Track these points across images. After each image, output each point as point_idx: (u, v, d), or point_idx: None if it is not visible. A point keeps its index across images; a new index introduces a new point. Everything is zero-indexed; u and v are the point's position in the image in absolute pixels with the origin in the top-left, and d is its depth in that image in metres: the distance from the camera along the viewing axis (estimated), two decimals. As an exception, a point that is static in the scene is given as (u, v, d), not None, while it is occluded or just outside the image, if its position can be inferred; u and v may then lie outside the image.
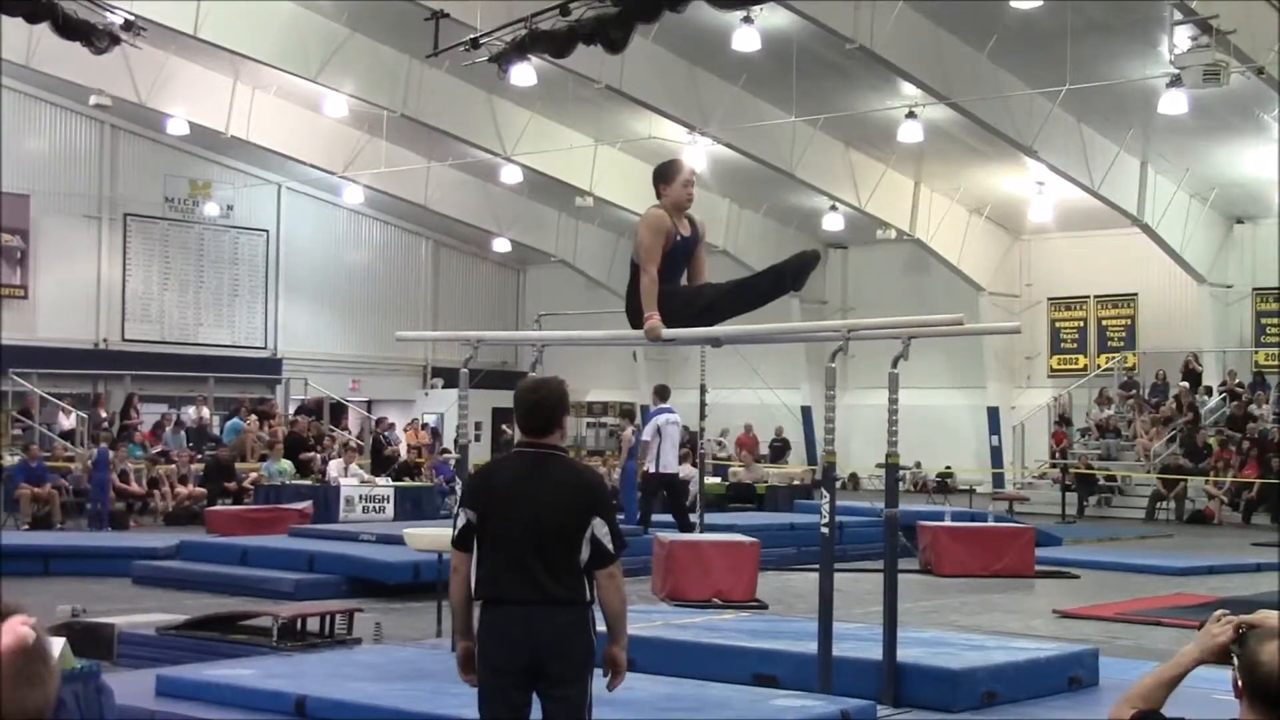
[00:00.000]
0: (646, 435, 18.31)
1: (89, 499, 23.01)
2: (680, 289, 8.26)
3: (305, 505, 21.16)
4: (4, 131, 29.79)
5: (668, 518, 18.33)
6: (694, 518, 17.43)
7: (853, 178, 30.74)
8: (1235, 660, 3.13)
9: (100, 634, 11.02)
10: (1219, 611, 3.29)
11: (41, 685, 2.09)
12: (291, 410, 33.79)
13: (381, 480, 25.35)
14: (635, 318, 8.22)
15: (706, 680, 9.01)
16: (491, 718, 5.47)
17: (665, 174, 8.21)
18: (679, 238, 8.11)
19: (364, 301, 38.68)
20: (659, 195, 8.16)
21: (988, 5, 22.33)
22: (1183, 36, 21.11)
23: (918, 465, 33.15)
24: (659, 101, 27.26)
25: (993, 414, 34.20)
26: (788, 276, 8.25)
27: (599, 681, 5.53)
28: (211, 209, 35.75)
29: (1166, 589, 16.45)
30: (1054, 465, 31.18)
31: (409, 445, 31.44)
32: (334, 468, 25.02)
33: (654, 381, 22.57)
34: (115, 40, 23.57)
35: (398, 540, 13.52)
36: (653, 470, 18.09)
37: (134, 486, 24.39)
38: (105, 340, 34.11)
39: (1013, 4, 21.54)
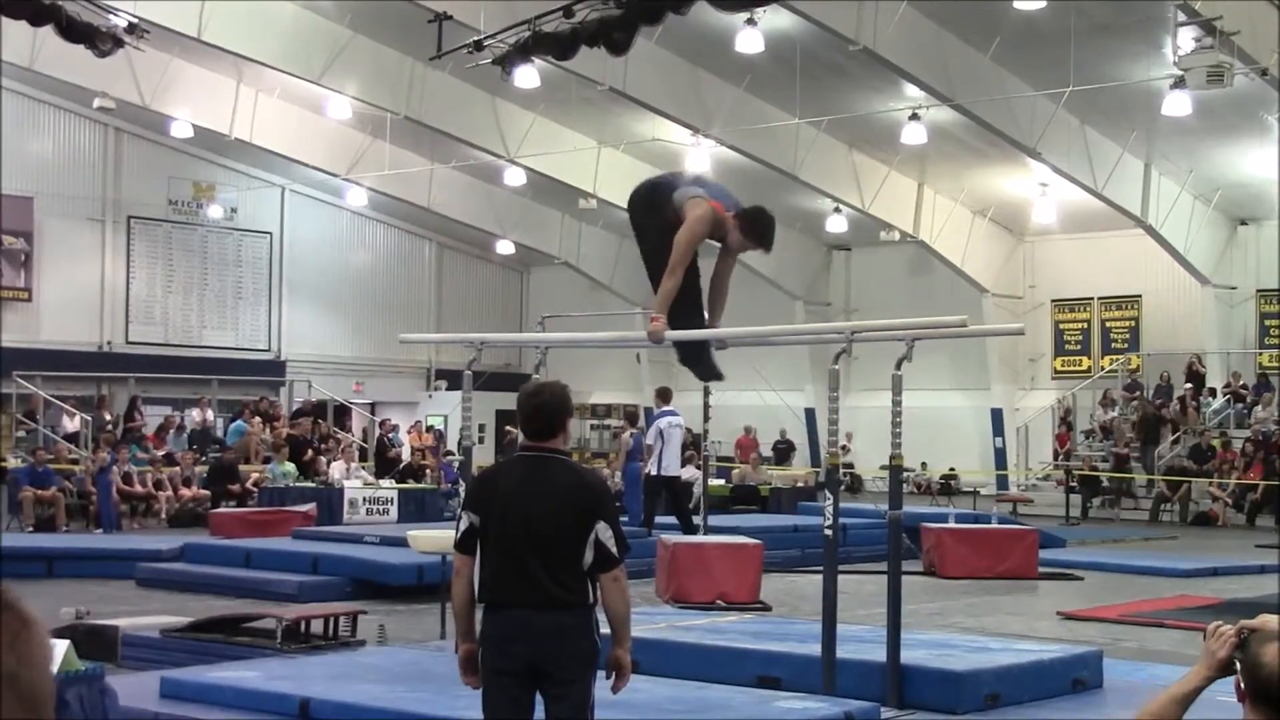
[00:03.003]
0: (649, 438, 18.35)
1: (97, 501, 23.11)
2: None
3: (309, 507, 21.17)
4: (8, 134, 29.83)
5: (671, 519, 18.37)
6: (697, 520, 17.44)
7: (856, 179, 30.73)
8: (1238, 664, 3.13)
9: (104, 636, 11.03)
10: (1213, 625, 3.28)
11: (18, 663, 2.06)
12: (292, 413, 33.77)
13: (385, 482, 25.36)
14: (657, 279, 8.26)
15: (710, 682, 9.02)
16: (495, 719, 5.48)
17: (763, 233, 8.24)
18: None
19: (368, 304, 38.69)
20: (742, 228, 8.18)
21: (991, 7, 22.34)
22: (1186, 38, 21.11)
23: (923, 466, 33.14)
24: (662, 103, 27.26)
25: (996, 416, 34.19)
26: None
27: (603, 683, 5.54)
28: (215, 211, 35.75)
29: (1170, 591, 16.44)
30: (1058, 467, 31.16)
31: (413, 447, 31.44)
32: (335, 470, 25.05)
33: (658, 383, 22.59)
34: (119, 43, 23.60)
35: (401, 542, 13.54)
36: (654, 472, 18.14)
37: (138, 488, 24.42)
38: (109, 342, 34.12)
39: (1016, 5, 21.54)
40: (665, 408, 18.54)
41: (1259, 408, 29.61)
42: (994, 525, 19.66)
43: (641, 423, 22.49)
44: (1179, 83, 22.25)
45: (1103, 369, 33.35)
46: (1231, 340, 31.48)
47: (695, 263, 8.28)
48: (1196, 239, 30.16)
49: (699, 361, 8.79)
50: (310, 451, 27.40)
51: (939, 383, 32.15)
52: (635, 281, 36.65)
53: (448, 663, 6.47)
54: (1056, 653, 9.95)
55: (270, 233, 37.08)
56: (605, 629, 5.53)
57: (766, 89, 26.82)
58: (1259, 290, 31.03)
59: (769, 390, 30.61)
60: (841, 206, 32.17)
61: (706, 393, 16.52)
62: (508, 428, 32.00)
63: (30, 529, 22.13)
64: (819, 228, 34.41)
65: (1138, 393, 32.00)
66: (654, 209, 8.28)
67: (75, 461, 26.07)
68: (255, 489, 24.46)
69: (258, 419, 29.28)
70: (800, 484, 28.36)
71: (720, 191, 8.34)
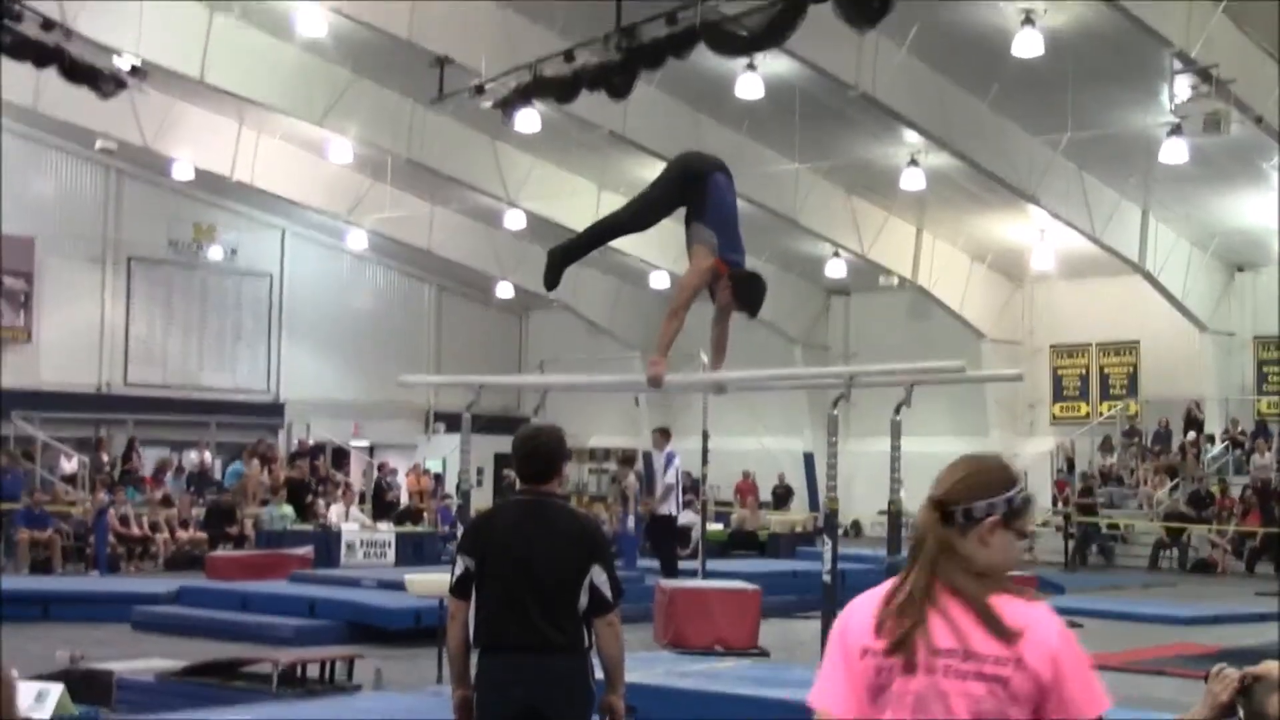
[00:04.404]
0: (670, 478, 18.37)
1: (94, 544, 23.10)
2: None
3: (306, 550, 21.13)
4: (9, 175, 29.88)
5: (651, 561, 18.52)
6: (695, 564, 17.43)
7: (855, 224, 30.78)
8: (1241, 711, 3.12)
9: (99, 680, 10.99)
10: (1217, 667, 3.28)
11: None
12: (290, 455, 33.73)
13: (383, 525, 25.31)
14: None
15: (707, 728, 8.97)
16: (490, 765, 5.45)
17: (750, 302, 8.27)
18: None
19: (367, 346, 38.66)
20: (732, 291, 8.19)
21: (989, 53, 22.43)
22: (1183, 85, 21.19)
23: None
24: (662, 147, 27.25)
25: (995, 461, 34.06)
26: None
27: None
28: (215, 253, 35.79)
29: (1170, 638, 16.39)
30: (1056, 513, 31.09)
31: (410, 490, 31.38)
32: (334, 513, 25.00)
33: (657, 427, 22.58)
34: (121, 85, 23.70)
35: (399, 586, 13.50)
36: (674, 513, 18.23)
37: (135, 530, 24.37)
38: (108, 384, 34.10)
39: (1014, 52, 21.64)
40: (670, 449, 18.64)
41: (1257, 454, 29.59)
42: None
43: (638, 466, 22.44)
44: (1176, 130, 22.33)
45: (1101, 415, 33.34)
46: (1230, 386, 31.48)
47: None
48: (1194, 285, 30.20)
49: (552, 270, 8.76)
50: (308, 494, 27.36)
51: (937, 428, 32.04)
52: (634, 325, 36.70)
53: (444, 708, 6.43)
54: (1056, 700, 9.87)
55: (270, 274, 37.12)
56: (599, 674, 5.51)
57: (766, 134, 26.90)
58: (1256, 336, 31.05)
59: (768, 435, 30.72)
60: (840, 251, 32.21)
61: (705, 437, 16.52)
62: (505, 471, 32.00)
63: (26, 571, 22.06)
64: (818, 272, 34.45)
65: (1136, 438, 32.01)
66: (683, 184, 8.27)
67: (73, 503, 26.01)
68: (253, 531, 24.40)
69: (256, 461, 29.25)
70: (799, 529, 28.31)
71: (732, 238, 8.28)
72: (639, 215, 8.48)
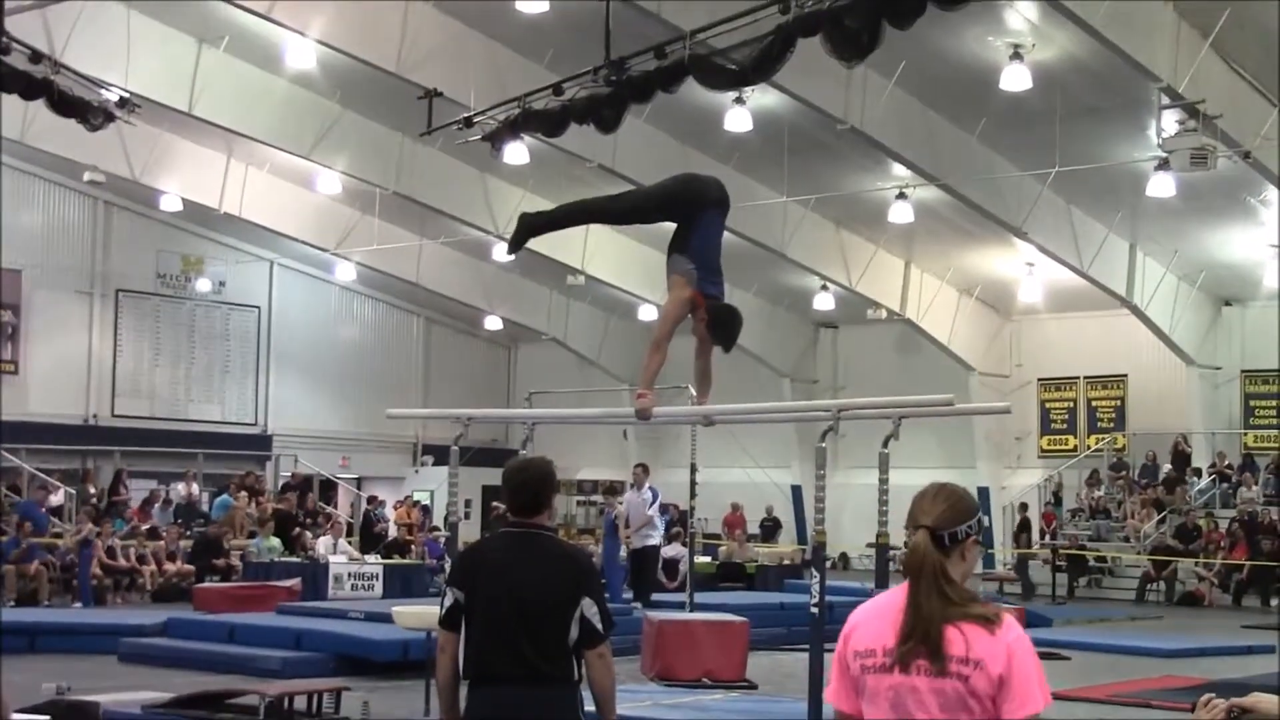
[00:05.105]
0: (652, 510, 18.45)
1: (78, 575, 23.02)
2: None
3: (294, 582, 21.05)
4: (-3, 207, 29.89)
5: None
6: (683, 597, 17.43)
7: (844, 258, 30.85)
8: (1228, 743, 3.13)
9: (85, 712, 10.95)
10: (1205, 696, 3.30)
11: None
12: (279, 487, 33.64)
13: (370, 558, 25.24)
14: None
15: (696, 761, 8.97)
16: (479, 798, 5.44)
17: (725, 336, 8.27)
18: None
19: (355, 378, 38.64)
20: (708, 324, 8.20)
21: (978, 87, 22.53)
22: (1170, 120, 21.28)
23: (908, 545, 32.98)
24: (651, 180, 27.25)
25: (983, 494, 34.07)
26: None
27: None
28: (203, 285, 35.81)
29: (1157, 671, 16.39)
30: (1044, 546, 31.12)
31: (398, 523, 31.31)
32: (322, 545, 24.93)
33: (644, 459, 22.62)
34: (110, 117, 23.68)
35: (386, 618, 13.49)
36: (658, 543, 18.37)
37: (121, 562, 24.28)
38: (95, 416, 34.04)
39: (1003, 87, 21.74)
40: (649, 483, 18.75)
41: (1244, 488, 29.64)
42: (981, 604, 19.55)
43: (620, 498, 22.47)
44: (1163, 164, 22.41)
45: (1089, 448, 33.38)
46: (1217, 420, 31.54)
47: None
48: (1181, 319, 30.29)
49: (520, 235, 8.81)
50: (296, 526, 27.28)
51: (925, 461, 31.97)
52: (623, 358, 36.69)
53: (432, 740, 6.44)
54: (1044, 733, 9.87)
55: (258, 307, 37.12)
56: (590, 706, 5.51)
57: (755, 167, 26.96)
58: (1244, 370, 31.14)
59: (756, 467, 30.68)
60: (829, 284, 32.28)
61: (693, 469, 16.52)
62: (494, 503, 31.93)
63: (12, 603, 21.97)
64: (806, 306, 34.51)
65: (1124, 472, 32.05)
66: (678, 205, 8.33)
67: (59, 535, 25.92)
68: (240, 563, 24.32)
69: (243, 493, 29.16)
70: (787, 561, 28.29)
71: (712, 271, 8.31)
72: (624, 213, 8.61)
